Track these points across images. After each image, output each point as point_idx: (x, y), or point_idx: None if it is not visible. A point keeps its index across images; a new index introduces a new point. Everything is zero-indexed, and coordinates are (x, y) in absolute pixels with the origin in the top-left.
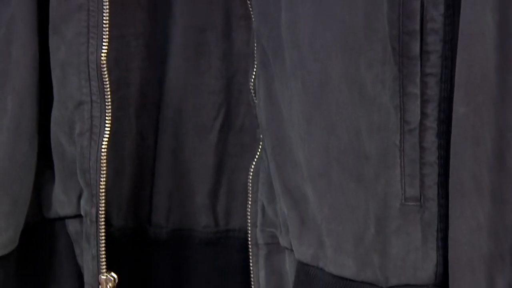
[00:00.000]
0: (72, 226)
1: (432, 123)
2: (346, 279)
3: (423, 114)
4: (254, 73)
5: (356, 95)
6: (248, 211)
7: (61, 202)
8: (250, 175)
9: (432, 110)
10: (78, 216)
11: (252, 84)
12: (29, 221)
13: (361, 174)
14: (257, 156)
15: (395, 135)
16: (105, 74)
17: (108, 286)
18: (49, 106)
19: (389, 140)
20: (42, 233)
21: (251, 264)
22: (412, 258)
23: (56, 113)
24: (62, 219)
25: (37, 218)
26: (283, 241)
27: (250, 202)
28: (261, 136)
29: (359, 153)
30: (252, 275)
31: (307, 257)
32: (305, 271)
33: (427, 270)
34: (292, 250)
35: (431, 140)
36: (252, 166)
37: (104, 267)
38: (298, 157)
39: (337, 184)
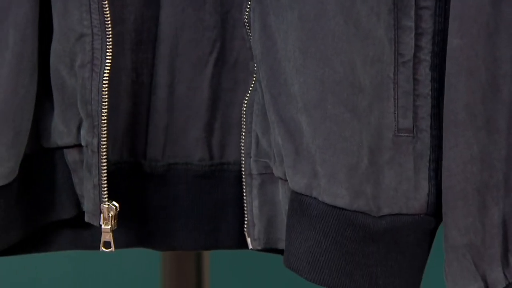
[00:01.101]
0: (70, 156)
1: (426, 55)
2: (340, 208)
3: (417, 47)
4: (248, 7)
5: (352, 27)
6: (241, 142)
7: (60, 132)
8: (244, 107)
9: (426, 43)
10: (77, 145)
11: (246, 17)
12: (28, 151)
13: (356, 106)
14: (251, 89)
15: (389, 67)
16: (106, 7)
17: (110, 214)
18: (48, 39)
19: (383, 73)
20: (41, 163)
21: (244, 195)
22: (404, 188)
23: (56, 46)
24: (61, 148)
25: (35, 148)
26: (277, 171)
27: (244, 133)
28: (255, 68)
29: (353, 85)
30: (245, 206)
31: (301, 187)
32: (299, 201)
33: (419, 199)
34: (285, 180)
35: (425, 72)
36: (246, 98)
37: (106, 195)
38: (293, 88)
39: (331, 115)
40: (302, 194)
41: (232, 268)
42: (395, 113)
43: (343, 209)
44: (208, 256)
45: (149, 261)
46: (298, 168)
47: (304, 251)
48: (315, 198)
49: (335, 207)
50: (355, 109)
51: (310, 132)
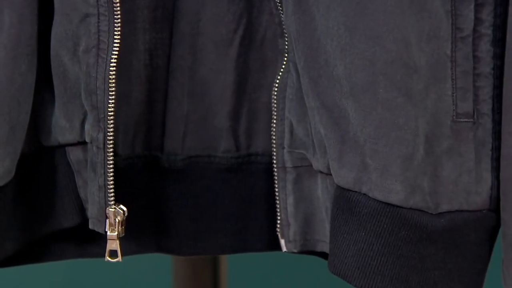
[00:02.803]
0: (73, 155)
1: (487, 29)
2: (393, 205)
3: (477, 20)
4: None
5: (406, 1)
6: (272, 131)
7: (61, 128)
8: (274, 91)
9: (487, 15)
10: (81, 143)
11: None
12: (25, 150)
13: (410, 89)
14: (282, 70)
15: (446, 43)
16: None
17: (117, 220)
18: (49, 21)
19: (440, 50)
20: (40, 163)
21: (276, 190)
22: (465, 181)
23: (57, 28)
24: (62, 146)
25: (34, 146)
26: (317, 164)
27: (275, 121)
28: (286, 47)
29: (408, 65)
30: (278, 202)
31: (349, 182)
32: (346, 197)
33: (481, 193)
34: (327, 174)
35: (486, 48)
36: (277, 82)
37: (112, 198)
38: (337, 70)
39: (383, 100)
40: (350, 190)
41: (251, 273)
42: (453, 96)
43: (397, 206)
44: (226, 260)
45: (159, 267)
46: (344, 161)
47: (352, 254)
48: (364, 194)
49: (388, 204)
50: (410, 92)
51: (358, 119)
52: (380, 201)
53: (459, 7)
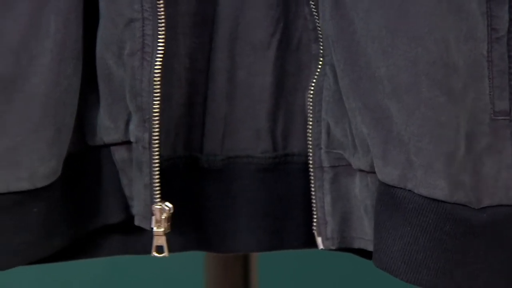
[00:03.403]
0: (118, 154)
1: None
2: (438, 200)
3: (511, 21)
4: None
5: (444, 2)
6: (308, 132)
7: (106, 128)
8: (310, 93)
9: None
10: (125, 142)
11: None
12: (71, 150)
13: (451, 88)
14: (317, 74)
15: (483, 44)
16: None
17: (163, 217)
18: (94, 26)
19: (477, 50)
20: (86, 162)
21: (313, 189)
22: (504, 177)
23: (103, 32)
24: (107, 146)
25: (80, 146)
26: (358, 163)
27: (311, 123)
28: (320, 52)
29: (448, 65)
30: (314, 201)
31: (394, 178)
32: (390, 194)
33: None
34: (369, 172)
35: None
36: (312, 85)
37: (158, 196)
38: (379, 72)
39: (426, 99)
40: (395, 187)
41: (281, 270)
42: (490, 95)
43: (442, 201)
44: (256, 257)
45: (192, 264)
46: (389, 159)
47: (398, 249)
48: (410, 190)
49: (433, 199)
50: (451, 91)
51: (402, 118)
52: (425, 197)
53: (494, 9)
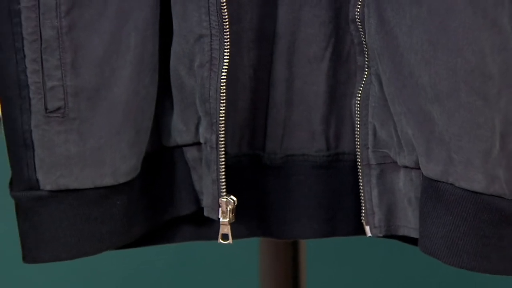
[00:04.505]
0: (190, 153)
1: None
2: (477, 192)
3: None
4: (359, 2)
5: (480, 18)
6: (356, 133)
7: (179, 131)
8: (357, 99)
9: None
10: (196, 143)
11: (357, 13)
12: (149, 149)
13: (487, 93)
14: (363, 81)
15: None
16: (224, 8)
17: (228, 208)
18: (168, 41)
19: (509, 60)
20: (162, 161)
21: (361, 184)
22: None
23: (176, 47)
24: (180, 146)
25: (156, 147)
26: (403, 161)
27: (358, 125)
28: (366, 63)
29: (484, 74)
30: (362, 194)
31: (437, 173)
32: (434, 187)
33: None
34: (413, 168)
35: None
36: (360, 91)
37: (224, 190)
38: (422, 80)
39: (465, 103)
40: (438, 181)
41: (327, 256)
42: None
43: (480, 193)
44: (305, 244)
45: (247, 250)
46: (432, 156)
47: (441, 236)
48: (451, 184)
49: (472, 192)
50: (487, 96)
51: (443, 121)
52: (465, 189)
53: None
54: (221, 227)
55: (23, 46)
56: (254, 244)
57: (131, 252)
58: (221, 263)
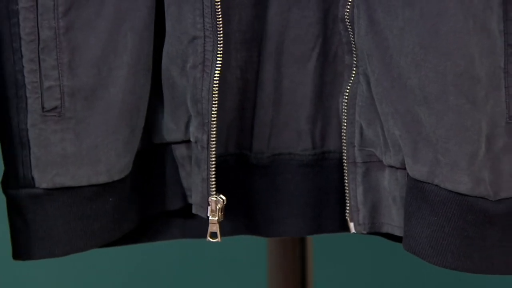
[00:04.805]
0: (178, 151)
1: None
2: (462, 194)
3: None
4: (349, 3)
5: (470, 22)
6: (343, 132)
7: (169, 129)
8: (345, 98)
9: None
10: (185, 141)
11: (346, 13)
12: (139, 147)
13: (475, 97)
14: (351, 81)
15: (500, 58)
16: (219, 11)
17: (218, 207)
18: (159, 41)
19: (496, 63)
20: (151, 158)
21: (346, 182)
22: None
23: (169, 48)
24: (169, 144)
25: (146, 144)
26: (389, 160)
27: (345, 124)
28: (354, 62)
29: (473, 77)
30: (347, 192)
31: (423, 174)
32: (419, 188)
33: None
34: (398, 168)
35: None
36: (347, 90)
37: (214, 189)
38: (411, 82)
39: (453, 106)
40: (423, 182)
41: (333, 253)
42: (506, 102)
43: (464, 195)
44: (312, 242)
45: (255, 248)
46: (418, 157)
47: (426, 236)
48: (436, 185)
49: (457, 193)
50: (475, 99)
51: (431, 123)
52: (450, 191)
53: (510, 27)
54: (210, 225)
55: (20, 46)
56: (262, 242)
57: (135, 251)
58: (228, 261)
